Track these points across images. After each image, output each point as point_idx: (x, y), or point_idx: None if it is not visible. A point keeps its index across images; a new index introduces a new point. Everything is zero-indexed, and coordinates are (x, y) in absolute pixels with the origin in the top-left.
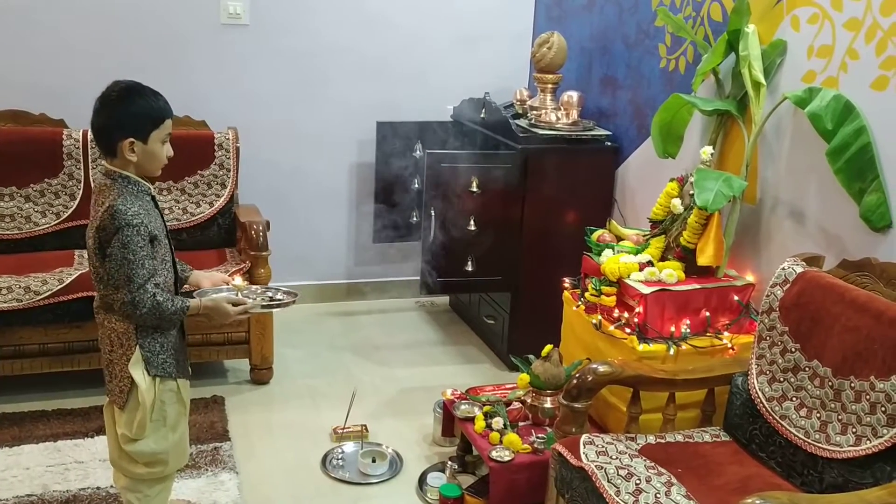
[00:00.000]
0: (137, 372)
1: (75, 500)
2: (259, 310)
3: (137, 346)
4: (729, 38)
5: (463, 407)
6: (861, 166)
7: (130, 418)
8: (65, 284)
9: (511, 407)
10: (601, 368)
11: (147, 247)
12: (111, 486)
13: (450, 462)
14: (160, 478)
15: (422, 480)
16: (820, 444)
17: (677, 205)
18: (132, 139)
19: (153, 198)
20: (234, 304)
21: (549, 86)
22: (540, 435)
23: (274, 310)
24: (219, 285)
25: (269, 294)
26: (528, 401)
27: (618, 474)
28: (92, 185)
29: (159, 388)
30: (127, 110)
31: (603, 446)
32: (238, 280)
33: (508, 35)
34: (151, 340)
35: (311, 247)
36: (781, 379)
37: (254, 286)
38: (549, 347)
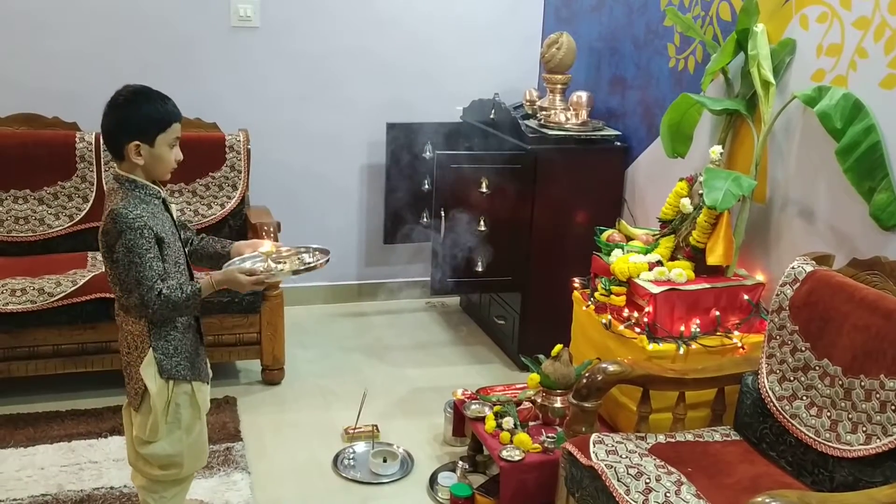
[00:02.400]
0: (149, 374)
1: (89, 500)
2: (281, 276)
3: (150, 349)
4: (738, 37)
5: (473, 407)
6: (870, 165)
7: (144, 421)
8: (78, 286)
9: (521, 407)
10: (611, 368)
11: (154, 249)
12: (125, 486)
13: (460, 462)
14: (177, 479)
15: (432, 480)
16: (830, 443)
17: (687, 204)
18: (138, 142)
19: (164, 200)
20: (249, 274)
21: (559, 86)
22: (550, 434)
23: (303, 273)
24: (261, 250)
25: (302, 255)
26: (539, 400)
27: (628, 473)
28: (105, 187)
29: (174, 391)
30: (133, 114)
31: (613, 445)
32: (266, 246)
33: (517, 36)
34: (165, 343)
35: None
36: (791, 378)
37: (284, 248)
38: (559, 347)
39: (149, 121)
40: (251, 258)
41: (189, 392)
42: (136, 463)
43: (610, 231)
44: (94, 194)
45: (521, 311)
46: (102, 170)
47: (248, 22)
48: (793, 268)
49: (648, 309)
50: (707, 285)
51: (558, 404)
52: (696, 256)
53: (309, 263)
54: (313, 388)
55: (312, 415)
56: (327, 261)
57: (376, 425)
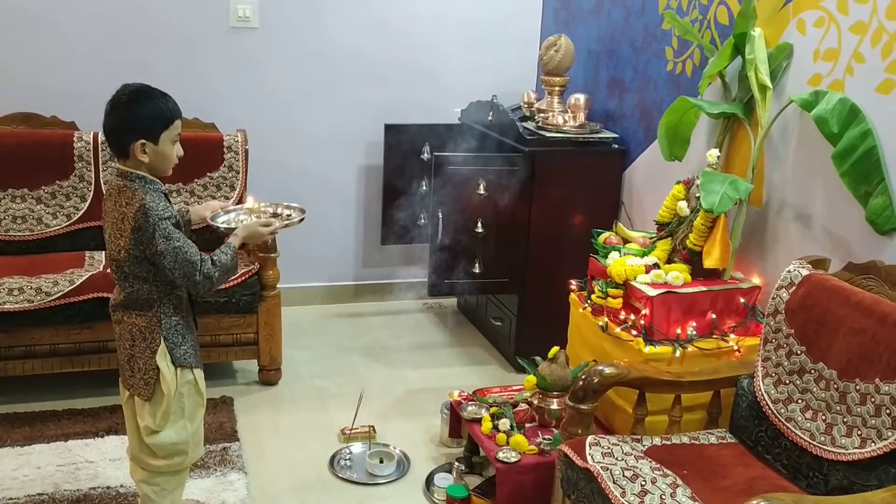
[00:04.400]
0: (163, 362)
1: (86, 500)
2: (281, 228)
3: (162, 339)
4: (735, 41)
5: (470, 408)
6: (867, 169)
7: (155, 409)
8: (76, 285)
9: (518, 408)
10: (607, 370)
11: (180, 232)
12: (121, 486)
13: (457, 463)
14: (177, 470)
15: (429, 481)
16: (825, 447)
17: (684, 207)
18: (143, 140)
19: (166, 195)
20: (263, 226)
21: (557, 88)
22: (546, 436)
23: (291, 227)
24: (217, 211)
25: (277, 210)
26: (535, 402)
27: (623, 475)
28: (103, 187)
29: (179, 379)
30: (137, 113)
31: (609, 448)
32: (250, 201)
33: (516, 38)
34: (174, 333)
35: (319, 249)
36: (787, 381)
37: (262, 203)
38: (555, 349)
39: (153, 119)
40: (235, 210)
41: (192, 381)
42: (139, 455)
43: (607, 233)
44: (91, 193)
45: (518, 312)
46: (100, 169)
47: (247, 22)
48: (789, 271)
49: (645, 311)
50: (703, 288)
51: (555, 406)
52: (693, 259)
53: (291, 217)
54: (310, 389)
55: (309, 415)
56: (302, 219)
57: (373, 426)
